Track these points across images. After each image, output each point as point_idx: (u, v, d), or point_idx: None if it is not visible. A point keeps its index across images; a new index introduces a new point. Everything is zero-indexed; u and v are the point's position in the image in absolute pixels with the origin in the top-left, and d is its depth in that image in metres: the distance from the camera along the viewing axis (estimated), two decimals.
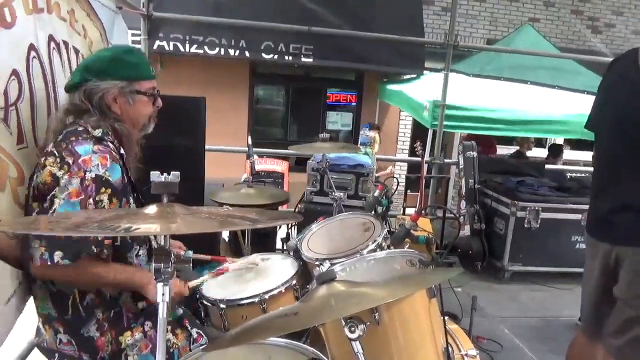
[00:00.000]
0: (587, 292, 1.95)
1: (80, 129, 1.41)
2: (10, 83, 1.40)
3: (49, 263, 1.27)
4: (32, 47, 1.56)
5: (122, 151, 1.50)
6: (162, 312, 0.81)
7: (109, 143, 1.44)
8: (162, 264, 0.81)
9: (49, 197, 1.30)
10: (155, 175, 0.90)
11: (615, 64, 1.87)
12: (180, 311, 1.54)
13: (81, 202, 1.30)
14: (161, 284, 0.82)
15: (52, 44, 1.73)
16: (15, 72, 1.43)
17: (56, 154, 1.34)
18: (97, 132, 1.42)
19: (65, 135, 1.39)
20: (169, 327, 1.49)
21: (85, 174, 1.31)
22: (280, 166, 6.38)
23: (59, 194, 1.30)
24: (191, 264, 0.91)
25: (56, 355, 1.43)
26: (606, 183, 1.83)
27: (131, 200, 1.49)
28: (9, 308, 1.39)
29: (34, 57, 1.57)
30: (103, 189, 1.34)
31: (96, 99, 1.45)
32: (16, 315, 1.45)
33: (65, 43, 1.84)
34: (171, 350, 1.51)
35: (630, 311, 1.73)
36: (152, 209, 0.85)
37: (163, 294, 0.82)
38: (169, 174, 0.90)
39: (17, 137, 1.43)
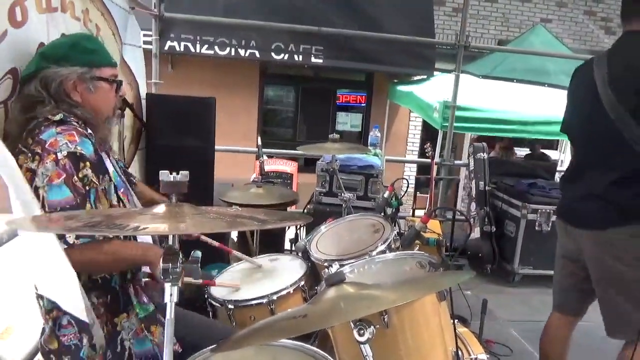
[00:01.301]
0: (556, 269, 2.25)
1: (41, 119, 1.35)
2: (2, 82, 1.38)
3: (64, 246, 1.23)
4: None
5: (89, 131, 1.42)
6: (170, 313, 0.81)
7: (72, 122, 1.38)
8: (171, 264, 0.81)
9: (32, 190, 1.24)
10: (165, 175, 0.89)
11: (577, 72, 2.14)
12: (152, 307, 1.49)
13: (65, 182, 1.25)
14: (169, 284, 0.82)
15: None
16: (13, 71, 1.41)
17: (25, 150, 1.29)
18: (58, 117, 1.35)
19: (28, 132, 1.34)
20: (143, 325, 1.45)
21: (56, 154, 1.26)
22: (290, 167, 6.38)
23: (40, 184, 1.24)
24: (199, 264, 0.90)
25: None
26: (575, 176, 2.09)
27: (108, 179, 1.42)
28: None
29: None
30: (81, 164, 1.29)
31: (54, 86, 1.38)
32: None
33: None
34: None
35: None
36: (160, 208, 0.85)
37: (171, 295, 0.81)
38: (177, 174, 0.89)
39: (3, 134, 1.39)
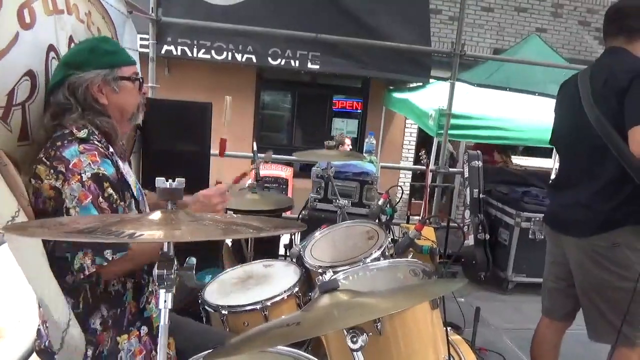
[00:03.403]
0: (545, 275, 2.31)
1: (66, 132, 1.38)
2: (20, 84, 1.40)
3: (104, 264, 1.26)
4: (51, 48, 1.57)
5: (110, 149, 1.47)
6: (164, 319, 0.81)
7: (95, 142, 1.40)
8: (165, 271, 0.81)
9: (64, 210, 1.28)
10: (160, 182, 0.89)
11: (563, 86, 2.20)
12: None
13: (92, 202, 1.29)
14: (163, 290, 0.82)
15: (72, 45, 1.75)
16: (29, 72, 1.44)
17: (47, 162, 1.32)
18: (82, 134, 1.38)
19: (52, 141, 1.36)
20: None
21: (81, 176, 1.29)
22: (285, 172, 6.39)
23: (70, 205, 1.28)
24: (194, 271, 0.90)
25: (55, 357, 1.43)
26: (562, 184, 2.17)
27: (129, 196, 1.47)
28: None
29: (53, 57, 1.58)
30: (105, 184, 1.33)
31: (81, 91, 1.42)
32: None
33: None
34: None
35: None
36: (156, 214, 0.85)
37: (165, 301, 0.82)
38: (174, 180, 0.90)
39: (18, 134, 1.41)
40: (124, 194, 1.42)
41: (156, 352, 1.46)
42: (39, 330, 1.47)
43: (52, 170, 1.30)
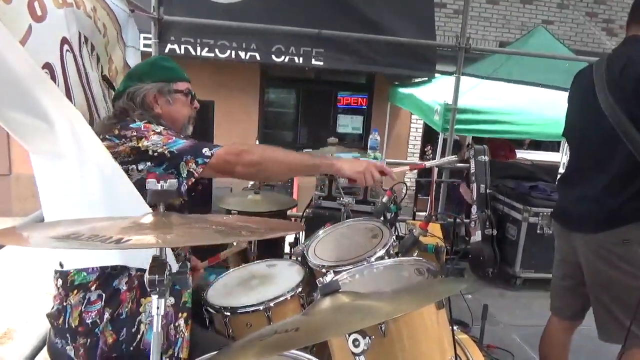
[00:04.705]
0: (554, 272, 2.26)
1: (129, 119, 1.52)
2: None
3: (206, 161, 1.42)
4: (65, 41, 1.60)
5: None
6: (157, 326, 0.78)
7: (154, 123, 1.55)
8: (157, 276, 0.79)
9: (150, 154, 1.40)
10: (152, 184, 0.87)
11: (577, 76, 2.15)
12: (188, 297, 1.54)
13: (177, 137, 1.45)
14: (156, 296, 0.79)
15: (82, 38, 1.78)
16: (48, 65, 1.46)
17: (111, 138, 1.43)
18: (142, 119, 1.53)
19: (112, 126, 1.48)
20: (185, 314, 1.52)
21: (155, 130, 1.45)
22: None
23: (158, 149, 1.41)
24: (188, 275, 0.87)
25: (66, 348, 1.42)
26: (571, 178, 2.12)
27: None
28: None
29: (67, 50, 1.61)
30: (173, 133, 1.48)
31: (139, 100, 1.59)
32: None
33: (86, 39, 1.86)
34: (177, 337, 1.50)
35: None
36: (147, 218, 0.83)
37: (158, 307, 0.79)
38: (165, 182, 0.87)
39: None
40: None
41: (174, 328, 1.49)
42: (60, 309, 1.44)
43: (120, 140, 1.42)
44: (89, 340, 1.38)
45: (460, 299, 2.99)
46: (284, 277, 1.92)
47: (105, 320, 1.38)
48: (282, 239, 3.31)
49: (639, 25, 1.91)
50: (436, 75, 6.23)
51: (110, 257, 1.37)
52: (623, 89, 1.78)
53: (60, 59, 1.54)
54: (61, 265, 1.41)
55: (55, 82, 1.47)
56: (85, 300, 1.41)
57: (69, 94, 1.57)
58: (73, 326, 1.39)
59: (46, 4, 1.47)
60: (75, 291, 1.41)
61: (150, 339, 1.37)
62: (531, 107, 4.53)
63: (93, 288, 1.41)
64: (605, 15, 8.27)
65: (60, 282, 1.44)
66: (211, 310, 1.77)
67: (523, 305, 3.84)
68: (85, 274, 1.42)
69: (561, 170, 5.40)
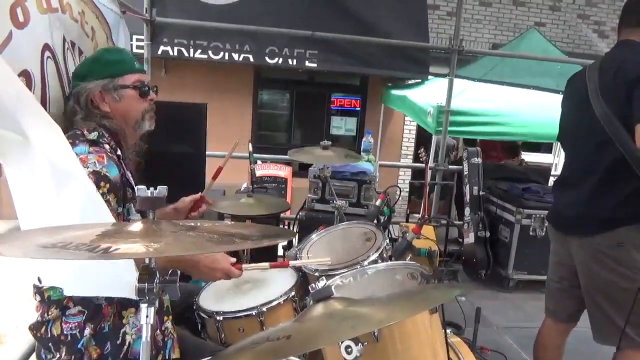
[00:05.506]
0: (549, 275, 2.26)
1: (78, 132, 1.45)
2: None
3: None
4: (47, 47, 1.57)
5: (119, 152, 1.52)
6: (146, 335, 0.77)
7: (105, 145, 1.46)
8: (147, 284, 0.78)
9: None
10: (142, 190, 0.86)
11: (570, 81, 2.14)
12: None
13: None
14: (145, 305, 0.78)
15: (67, 44, 1.74)
16: (25, 73, 1.44)
17: None
18: (93, 136, 1.44)
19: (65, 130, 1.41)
20: (170, 316, 1.51)
21: (87, 169, 1.34)
22: (284, 171, 6.34)
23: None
24: (177, 282, 0.86)
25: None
26: (566, 182, 2.12)
27: (131, 204, 1.49)
28: None
29: (48, 57, 1.58)
30: (102, 183, 1.35)
31: (83, 100, 1.50)
32: None
33: (72, 43, 1.84)
34: (166, 339, 1.50)
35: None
36: (137, 226, 0.81)
37: (147, 316, 0.78)
38: (155, 188, 0.86)
39: None
40: (125, 197, 1.45)
41: (161, 332, 1.48)
42: (45, 321, 1.43)
43: None
44: (73, 357, 1.37)
45: (454, 302, 3.00)
46: (276, 281, 1.91)
47: (87, 335, 1.37)
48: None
49: (629, 29, 1.92)
50: (429, 77, 6.25)
51: (86, 287, 1.35)
52: (616, 94, 1.78)
53: (40, 66, 1.51)
54: (39, 280, 1.39)
55: (31, 90, 1.45)
56: (65, 315, 1.39)
57: (44, 102, 1.54)
58: (55, 335, 1.38)
59: (29, 9, 1.44)
60: (55, 306, 1.40)
61: (138, 348, 1.37)
62: (524, 109, 4.54)
63: (71, 305, 1.39)
64: (597, 17, 8.33)
65: (38, 297, 1.42)
66: (203, 315, 1.76)
67: (516, 307, 3.85)
68: (60, 291, 1.39)
69: (554, 172, 5.42)
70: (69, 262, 1.27)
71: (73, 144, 1.38)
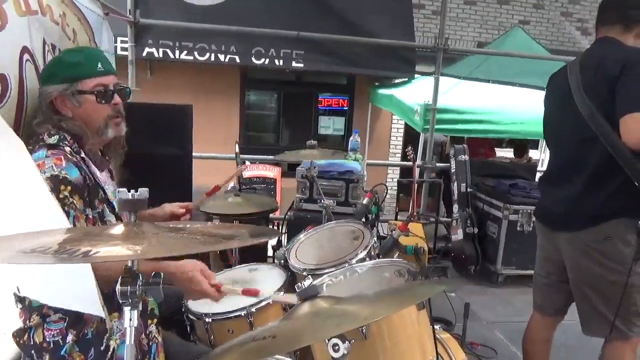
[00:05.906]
0: (536, 269, 2.28)
1: (39, 137, 1.41)
2: None
3: None
4: (25, 50, 1.54)
5: (82, 155, 1.45)
6: (130, 338, 0.76)
7: (65, 147, 1.40)
8: (129, 287, 0.77)
9: None
10: (123, 193, 0.85)
11: (552, 79, 2.17)
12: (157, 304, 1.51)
13: None
14: (128, 308, 0.77)
15: (47, 47, 1.71)
16: (1, 76, 1.41)
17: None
18: (53, 140, 1.39)
19: (27, 145, 1.36)
20: (155, 320, 1.50)
21: (44, 174, 1.30)
22: (273, 172, 6.32)
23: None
24: (161, 284, 0.85)
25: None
26: (552, 178, 2.13)
27: (100, 200, 1.45)
28: None
29: (27, 59, 1.55)
30: (62, 187, 1.31)
31: (44, 105, 1.44)
32: None
33: (53, 46, 1.82)
34: (150, 344, 1.48)
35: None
36: (118, 228, 0.81)
37: (130, 319, 0.77)
38: (136, 191, 0.85)
39: None
40: (91, 200, 1.41)
41: (146, 336, 1.46)
42: (27, 328, 1.41)
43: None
44: None
45: (443, 298, 3.02)
46: (265, 281, 1.91)
47: (70, 341, 1.36)
48: (265, 242, 3.29)
49: (606, 27, 1.95)
50: (416, 75, 6.28)
51: (55, 298, 1.33)
52: (598, 90, 1.81)
53: (18, 69, 1.49)
54: (18, 289, 1.37)
55: (7, 93, 1.43)
56: (46, 322, 1.38)
57: (21, 106, 1.50)
58: (38, 342, 1.36)
59: (7, 12, 1.42)
60: (36, 313, 1.38)
61: (122, 353, 1.36)
62: (510, 107, 4.58)
63: (51, 312, 1.37)
64: (580, 15, 8.44)
65: (19, 305, 1.41)
66: (192, 317, 1.75)
67: (505, 302, 3.89)
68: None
69: (540, 167, 5.48)
70: (41, 272, 1.26)
71: (33, 150, 1.35)
